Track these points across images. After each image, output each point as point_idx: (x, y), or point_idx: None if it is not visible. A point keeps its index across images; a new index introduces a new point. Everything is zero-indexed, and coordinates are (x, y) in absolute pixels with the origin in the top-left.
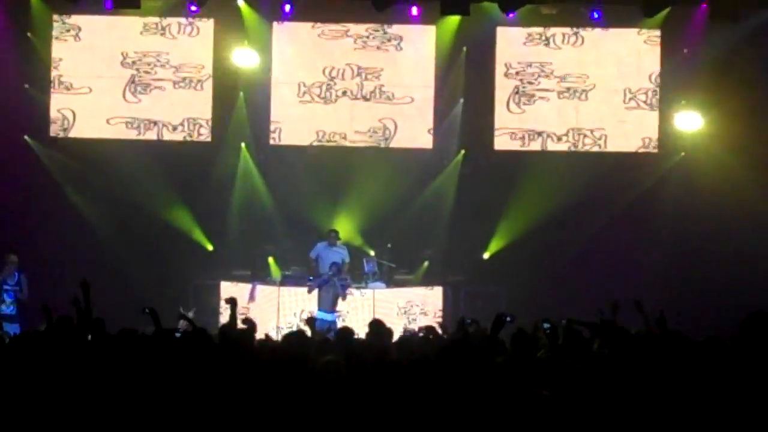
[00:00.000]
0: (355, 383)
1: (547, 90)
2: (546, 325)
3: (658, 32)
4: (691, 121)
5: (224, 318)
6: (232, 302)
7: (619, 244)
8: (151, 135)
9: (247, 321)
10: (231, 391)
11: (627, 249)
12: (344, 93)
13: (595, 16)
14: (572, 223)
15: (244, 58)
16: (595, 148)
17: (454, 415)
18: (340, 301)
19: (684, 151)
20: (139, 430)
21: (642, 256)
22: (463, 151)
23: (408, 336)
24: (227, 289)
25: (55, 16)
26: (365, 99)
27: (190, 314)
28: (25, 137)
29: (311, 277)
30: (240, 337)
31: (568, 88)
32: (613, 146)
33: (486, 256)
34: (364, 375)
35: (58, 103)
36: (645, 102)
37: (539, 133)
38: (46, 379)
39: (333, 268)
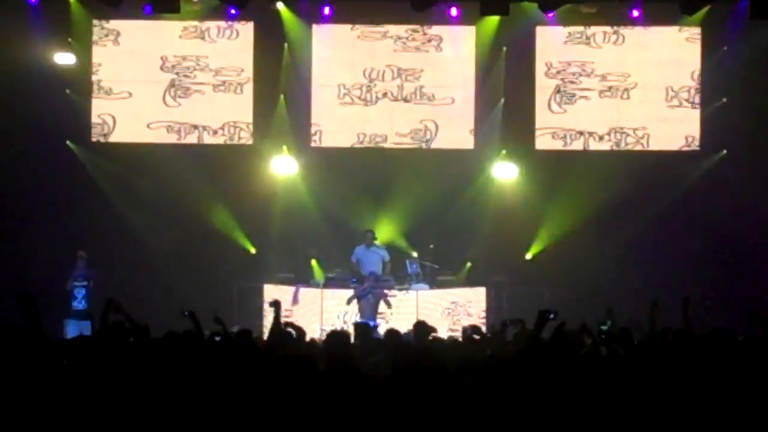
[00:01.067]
0: (401, 384)
1: (588, 89)
2: (603, 327)
3: (698, 30)
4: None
5: (268, 321)
6: (275, 305)
7: (663, 242)
8: (191, 139)
9: (292, 326)
10: (275, 393)
11: (670, 248)
12: (384, 95)
13: (635, 14)
14: (615, 222)
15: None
16: (638, 147)
17: (504, 418)
18: (382, 306)
19: (726, 148)
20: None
21: (685, 255)
22: (504, 152)
23: (454, 338)
24: (271, 291)
25: (95, 21)
26: (405, 100)
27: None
28: (67, 142)
29: (354, 279)
30: (285, 340)
31: (609, 87)
32: (655, 145)
33: (529, 256)
34: (411, 375)
35: (98, 108)
36: (686, 100)
37: (580, 133)
38: (91, 382)
39: (370, 279)
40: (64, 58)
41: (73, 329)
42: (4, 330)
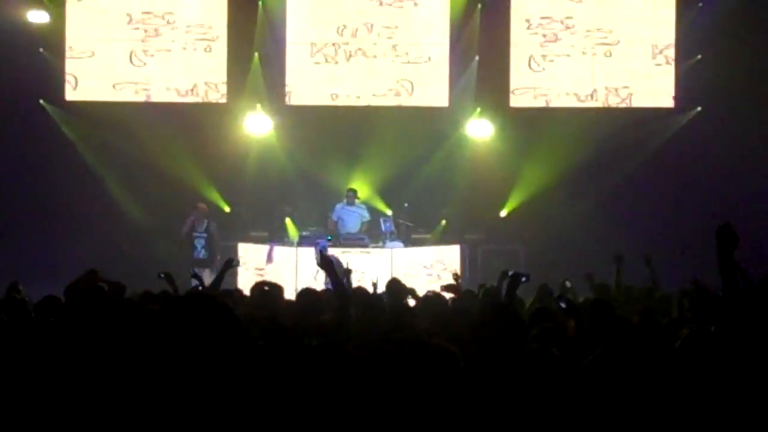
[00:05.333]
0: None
1: (564, 46)
2: (562, 304)
3: None
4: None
5: (242, 279)
6: (227, 264)
7: (637, 200)
8: (158, 98)
9: (268, 284)
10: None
11: (644, 205)
12: (359, 52)
13: None
14: (589, 179)
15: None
16: (616, 104)
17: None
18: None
19: (700, 105)
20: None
21: (659, 212)
22: (479, 109)
23: (430, 295)
24: (245, 250)
25: None
26: (380, 58)
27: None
28: (41, 101)
29: (329, 237)
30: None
31: (585, 44)
32: (632, 102)
33: (503, 213)
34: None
35: (67, 68)
36: (661, 56)
37: (556, 90)
38: (64, 343)
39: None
40: (38, 16)
41: None
42: None
